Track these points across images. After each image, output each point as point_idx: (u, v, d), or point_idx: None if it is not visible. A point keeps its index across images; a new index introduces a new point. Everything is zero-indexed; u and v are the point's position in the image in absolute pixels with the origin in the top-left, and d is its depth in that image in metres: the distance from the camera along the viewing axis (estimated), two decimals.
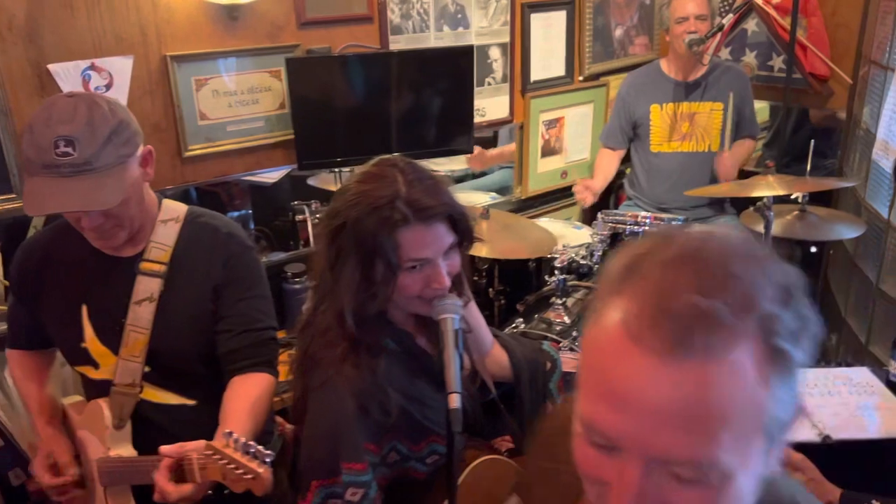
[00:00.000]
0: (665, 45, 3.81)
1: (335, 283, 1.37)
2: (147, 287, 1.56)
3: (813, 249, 3.17)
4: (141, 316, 1.56)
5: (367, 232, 1.31)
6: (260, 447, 1.29)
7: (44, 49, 2.15)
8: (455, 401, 1.24)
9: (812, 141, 2.70)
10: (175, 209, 1.64)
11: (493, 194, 3.61)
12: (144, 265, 1.57)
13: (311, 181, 3.19)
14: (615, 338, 0.62)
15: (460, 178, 3.58)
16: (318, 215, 3.00)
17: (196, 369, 1.64)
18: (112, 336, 1.58)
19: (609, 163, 3.38)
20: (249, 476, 1.27)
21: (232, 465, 1.28)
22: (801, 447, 1.88)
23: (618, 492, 0.63)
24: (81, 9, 2.19)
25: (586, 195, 3.25)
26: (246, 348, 1.59)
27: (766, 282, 0.63)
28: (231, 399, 1.54)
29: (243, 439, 1.30)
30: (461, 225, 1.38)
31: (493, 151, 3.56)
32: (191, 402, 1.64)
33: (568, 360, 1.82)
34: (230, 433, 1.31)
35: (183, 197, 2.50)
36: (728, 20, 2.88)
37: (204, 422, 1.51)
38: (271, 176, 2.92)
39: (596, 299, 0.68)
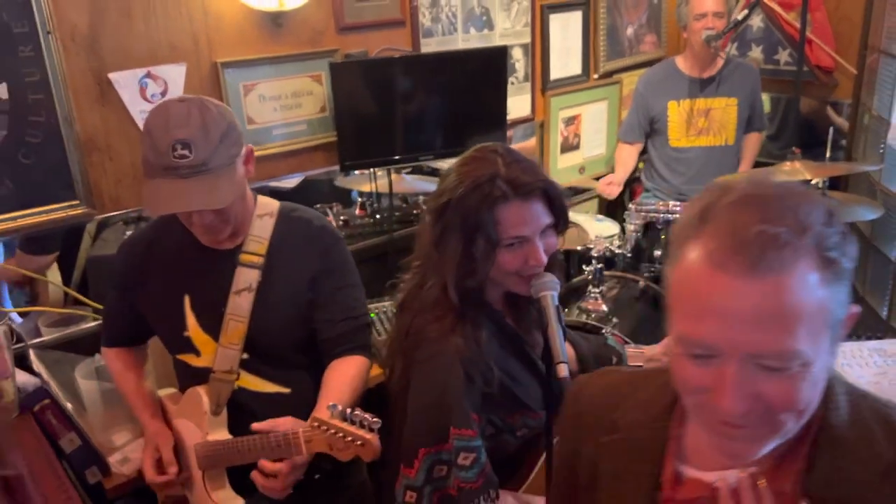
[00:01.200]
0: (674, 43, 3.95)
1: (440, 259, 1.45)
2: (246, 278, 1.64)
3: None
4: (240, 305, 1.63)
5: (470, 208, 1.40)
6: (367, 414, 1.38)
7: (104, 58, 2.21)
8: (564, 370, 1.33)
9: (831, 129, 2.83)
10: (269, 204, 1.72)
11: None
12: (244, 257, 1.65)
13: (337, 182, 3.27)
14: (702, 269, 0.78)
15: None
16: (342, 217, 3.09)
17: (291, 357, 1.72)
18: (213, 325, 1.66)
19: (629, 156, 3.50)
20: (358, 443, 1.36)
21: (340, 434, 1.38)
22: None
23: (720, 389, 0.78)
24: (139, 18, 2.25)
25: (612, 189, 3.37)
26: (346, 335, 1.69)
27: (813, 208, 0.78)
28: (331, 378, 1.64)
29: (348, 409, 1.39)
30: (557, 204, 1.45)
31: None
32: (285, 391, 1.71)
33: (633, 354, 1.88)
34: (334, 405, 1.41)
35: None
36: (744, 16, 3.00)
37: (296, 411, 1.59)
38: (290, 181, 3.00)
39: (673, 248, 0.84)
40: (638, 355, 1.89)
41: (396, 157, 2.80)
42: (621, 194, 3.95)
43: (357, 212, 3.12)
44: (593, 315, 2.70)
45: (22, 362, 2.06)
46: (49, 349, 2.20)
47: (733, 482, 0.88)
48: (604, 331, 2.52)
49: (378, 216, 3.04)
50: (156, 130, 1.47)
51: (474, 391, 1.42)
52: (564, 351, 1.36)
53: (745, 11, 3.01)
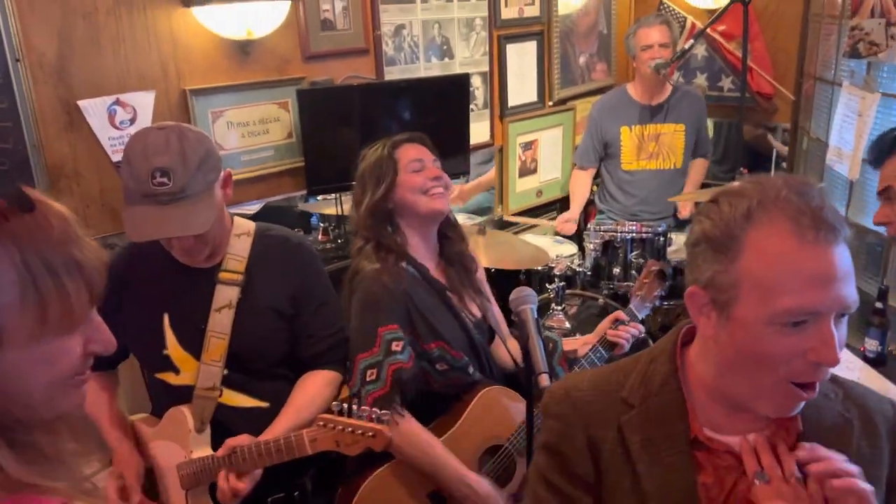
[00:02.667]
0: (623, 71, 4.13)
1: (359, 206, 1.88)
2: (226, 295, 1.68)
3: None
4: (221, 322, 1.67)
5: (377, 157, 1.90)
6: (375, 408, 1.48)
7: (73, 86, 2.22)
8: (545, 380, 1.40)
9: (775, 152, 3.01)
10: (246, 224, 1.77)
11: (472, 215, 3.79)
12: (223, 275, 1.69)
13: (301, 207, 3.31)
14: (795, 247, 0.91)
15: None
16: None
17: (270, 371, 1.76)
18: (193, 342, 1.68)
19: (583, 185, 3.63)
20: (370, 434, 1.44)
21: (349, 429, 1.45)
22: None
23: (822, 346, 0.91)
24: (108, 47, 2.27)
25: (569, 226, 3.49)
26: (327, 351, 1.77)
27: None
28: (301, 389, 1.75)
29: (354, 406, 1.46)
30: (432, 148, 1.97)
31: (470, 185, 3.75)
32: (264, 405, 1.74)
33: (568, 342, 2.12)
34: (339, 403, 1.50)
35: None
36: (689, 45, 3.17)
37: None
38: (251, 207, 3.02)
39: (723, 245, 0.95)
40: (572, 341, 2.12)
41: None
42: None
43: (319, 237, 3.16)
44: (557, 331, 2.79)
45: None
46: None
47: (752, 442, 1.02)
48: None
49: (340, 241, 3.08)
50: (135, 158, 1.51)
51: (397, 302, 1.76)
52: (545, 361, 1.43)
53: (691, 41, 3.18)
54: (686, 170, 3.56)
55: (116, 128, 2.32)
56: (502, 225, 3.75)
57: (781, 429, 1.03)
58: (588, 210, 4.10)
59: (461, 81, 2.93)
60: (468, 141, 3.01)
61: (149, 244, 1.64)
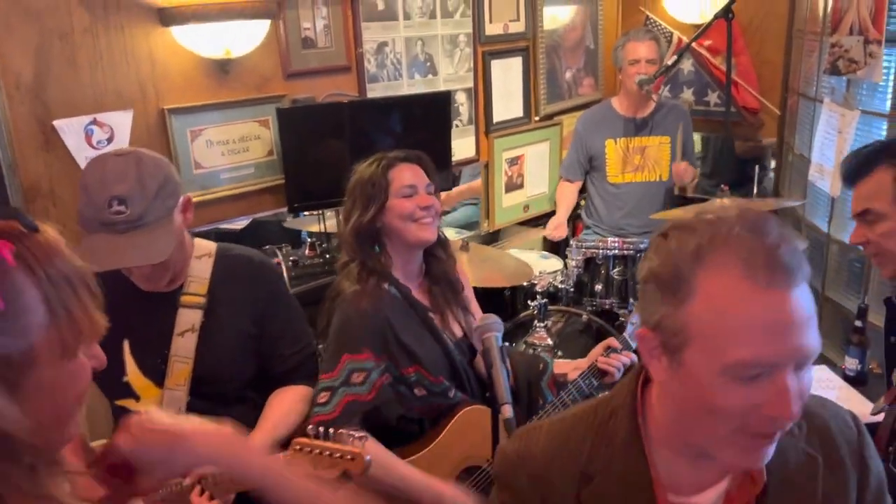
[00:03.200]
0: (611, 85, 4.13)
1: (346, 221, 1.86)
2: (188, 318, 1.66)
3: None
4: (184, 346, 1.66)
5: (369, 174, 1.86)
6: (352, 431, 1.44)
7: (49, 106, 2.22)
8: (508, 411, 1.39)
9: (756, 167, 3.01)
10: (206, 245, 1.76)
11: (459, 229, 3.79)
12: (185, 298, 1.68)
13: (287, 224, 3.31)
14: (747, 293, 0.83)
15: None
16: (291, 258, 3.12)
17: (236, 394, 1.74)
18: (154, 368, 1.67)
19: (570, 194, 3.64)
20: (348, 457, 1.41)
21: (326, 453, 1.42)
22: None
23: (778, 398, 0.83)
24: (85, 66, 2.27)
25: (559, 231, 3.50)
26: (296, 368, 1.77)
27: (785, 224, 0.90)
28: (272, 406, 1.73)
29: (331, 429, 1.44)
30: (430, 170, 1.92)
31: (455, 190, 3.75)
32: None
33: (560, 364, 2.06)
34: (315, 427, 1.47)
35: None
36: (673, 61, 3.17)
37: None
38: (238, 223, 3.02)
39: (672, 286, 0.87)
40: (564, 364, 2.06)
41: (343, 199, 2.85)
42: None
43: (307, 252, 3.15)
44: (539, 348, 2.78)
45: None
46: None
47: (714, 499, 0.96)
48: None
49: (327, 256, 3.07)
50: (92, 186, 1.50)
51: (373, 327, 1.73)
52: (509, 392, 1.42)
53: (675, 57, 3.19)
54: (671, 182, 3.56)
55: (93, 147, 2.32)
56: (489, 239, 3.74)
57: (747, 479, 0.98)
58: (575, 224, 4.11)
59: (443, 98, 2.93)
60: (450, 158, 3.01)
61: (106, 271, 1.64)
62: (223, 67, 2.56)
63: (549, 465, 1.02)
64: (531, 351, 2.76)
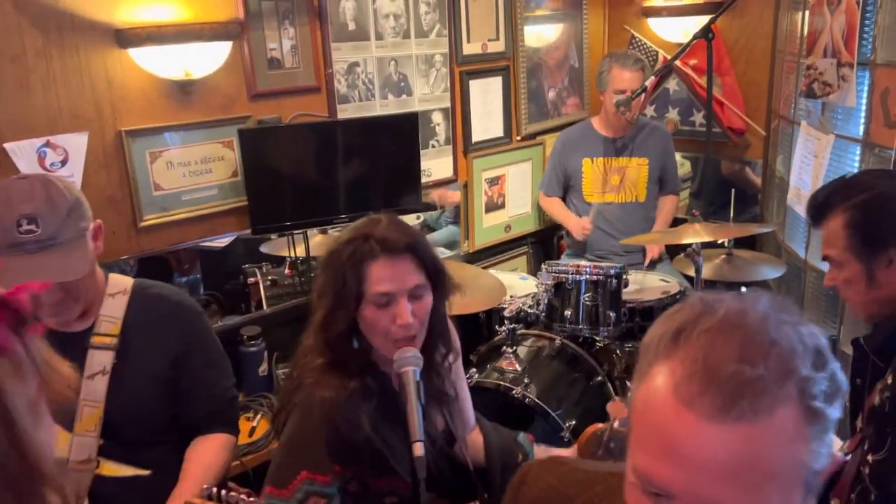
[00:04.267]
0: (596, 104, 4.07)
1: (317, 309, 1.50)
2: (99, 360, 1.59)
3: (743, 289, 3.39)
4: (94, 389, 1.58)
5: (342, 262, 1.45)
6: (242, 493, 1.35)
7: (0, 128, 2.21)
8: (419, 449, 1.33)
9: (733, 190, 2.93)
10: (122, 282, 1.69)
11: (443, 249, 3.74)
12: (95, 339, 1.61)
13: (262, 248, 3.27)
14: (668, 401, 0.69)
15: None
16: (270, 277, 3.09)
17: (150, 438, 1.67)
18: (63, 414, 1.61)
19: (558, 203, 3.57)
20: None
21: None
22: None
23: None
24: (38, 87, 2.26)
25: (583, 226, 3.34)
26: (212, 413, 1.68)
27: (802, 347, 0.68)
28: (191, 459, 1.62)
29: (223, 491, 1.36)
30: (429, 265, 1.48)
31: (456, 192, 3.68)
32: (145, 473, 1.66)
33: (540, 453, 1.86)
34: (208, 488, 1.37)
35: (132, 264, 2.55)
36: (650, 82, 3.11)
37: (159, 493, 1.57)
38: (221, 241, 2.99)
39: (643, 361, 0.75)
40: (544, 455, 1.83)
41: (309, 220, 2.82)
42: (548, 249, 4.04)
43: (286, 271, 3.12)
44: (508, 374, 2.71)
45: None
46: None
47: None
48: (514, 392, 2.54)
49: (306, 277, 3.04)
50: None
51: (338, 440, 1.44)
52: (421, 429, 1.36)
53: (652, 78, 3.13)
54: (651, 205, 3.49)
55: (46, 170, 2.29)
56: (471, 259, 3.69)
57: None
58: (559, 245, 4.05)
59: (410, 119, 2.90)
60: (419, 178, 2.97)
61: None
62: (184, 88, 2.54)
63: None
64: (497, 375, 2.69)
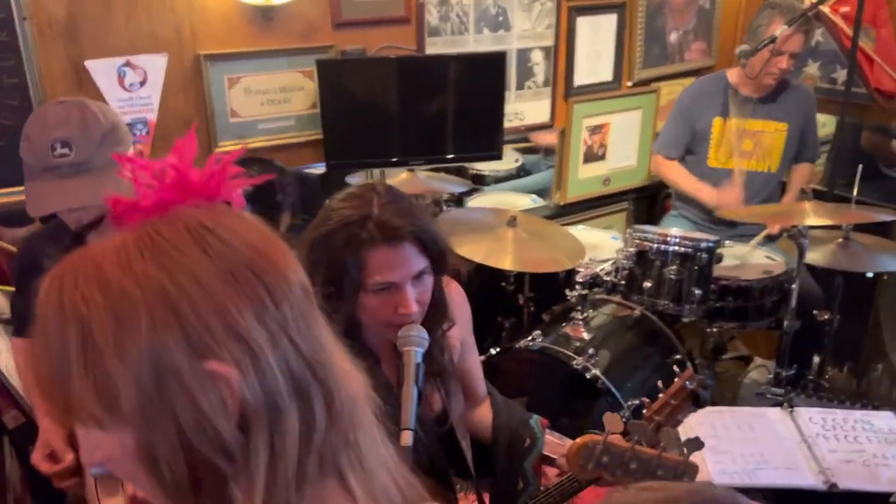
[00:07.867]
0: (726, 53, 3.65)
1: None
2: None
3: (869, 275, 2.99)
4: None
5: (336, 248, 1.32)
6: None
7: (82, 46, 2.25)
8: (407, 438, 1.23)
9: (860, 166, 2.54)
10: None
11: (535, 196, 3.55)
12: None
13: (349, 179, 3.23)
14: None
15: (503, 178, 3.54)
16: None
17: None
18: None
19: (681, 168, 3.19)
20: None
21: None
22: (802, 494, 1.80)
23: None
24: (120, 8, 2.27)
25: (731, 197, 2.95)
26: None
27: None
28: None
29: None
30: (431, 248, 1.36)
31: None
32: None
33: (551, 442, 1.69)
34: None
35: None
36: (781, 32, 2.71)
37: None
38: (319, 167, 2.97)
39: None
40: (557, 446, 1.68)
41: (387, 160, 2.73)
42: (651, 208, 3.73)
43: None
44: (574, 343, 2.56)
45: None
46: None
47: None
48: (576, 363, 2.39)
49: None
50: (33, 132, 1.45)
51: None
52: (414, 416, 1.26)
53: (784, 27, 2.72)
54: (781, 176, 3.10)
55: (126, 89, 2.33)
56: (559, 212, 3.48)
57: None
58: (664, 204, 3.73)
59: (498, 59, 2.69)
60: (502, 124, 2.79)
61: (57, 231, 1.58)
62: (266, 14, 2.48)
63: None
64: (563, 341, 2.54)
